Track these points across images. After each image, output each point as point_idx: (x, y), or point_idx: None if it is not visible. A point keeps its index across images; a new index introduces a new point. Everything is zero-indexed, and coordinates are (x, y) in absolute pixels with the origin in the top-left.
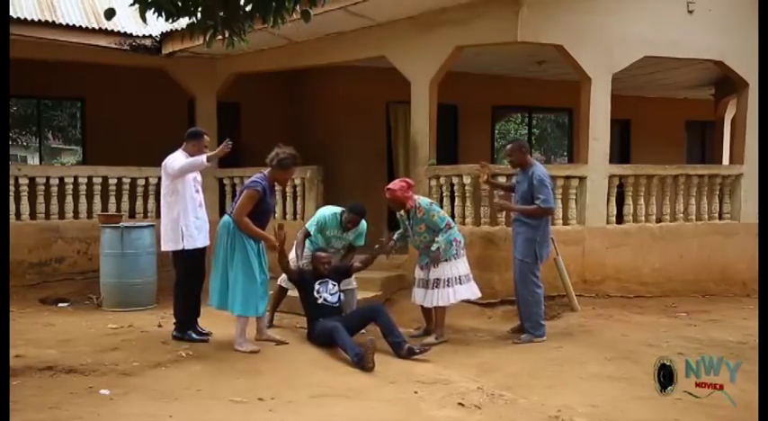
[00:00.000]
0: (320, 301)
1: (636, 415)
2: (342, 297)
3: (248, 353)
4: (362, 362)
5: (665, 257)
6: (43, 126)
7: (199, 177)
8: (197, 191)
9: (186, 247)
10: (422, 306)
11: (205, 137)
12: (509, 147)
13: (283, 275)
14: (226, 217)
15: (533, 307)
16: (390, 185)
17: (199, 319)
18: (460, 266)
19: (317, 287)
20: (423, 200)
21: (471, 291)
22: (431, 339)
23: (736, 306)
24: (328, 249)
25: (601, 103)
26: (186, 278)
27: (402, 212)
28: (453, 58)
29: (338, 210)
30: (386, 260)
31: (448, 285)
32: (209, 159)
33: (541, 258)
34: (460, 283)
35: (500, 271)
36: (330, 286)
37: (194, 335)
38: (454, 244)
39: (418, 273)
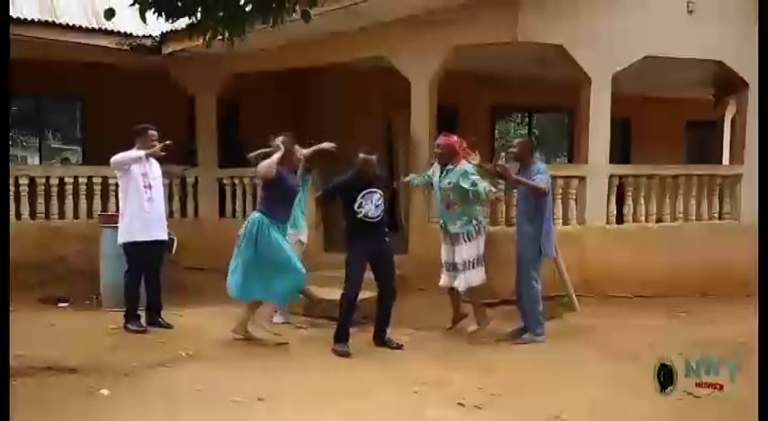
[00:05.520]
0: (360, 216)
1: (636, 415)
2: (383, 209)
3: (262, 342)
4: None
5: (665, 257)
6: (43, 126)
7: (153, 174)
8: (147, 186)
9: (128, 241)
10: (451, 293)
11: (150, 132)
12: (517, 140)
13: None
14: (255, 214)
15: (534, 303)
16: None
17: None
18: (481, 246)
19: (359, 200)
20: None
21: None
22: (474, 327)
23: (737, 306)
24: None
25: (601, 102)
26: (129, 269)
27: (436, 166)
28: (453, 58)
29: None
30: None
31: (473, 266)
32: (147, 155)
33: (546, 253)
34: (480, 265)
35: (500, 271)
36: (376, 197)
37: (130, 327)
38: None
39: (445, 254)
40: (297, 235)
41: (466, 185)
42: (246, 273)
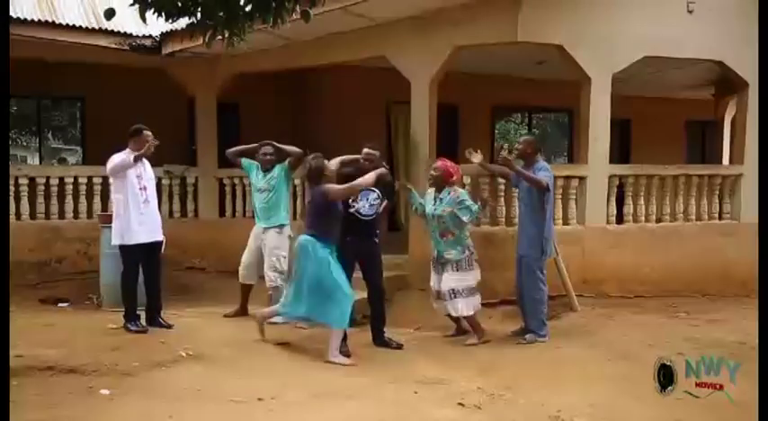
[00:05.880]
0: (352, 210)
1: (636, 415)
2: (379, 209)
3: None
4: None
5: (665, 257)
6: (43, 126)
7: (147, 175)
8: (143, 188)
9: (125, 243)
10: (450, 316)
11: (145, 132)
12: (523, 138)
13: (243, 271)
14: (303, 237)
15: (539, 305)
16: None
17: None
18: (477, 274)
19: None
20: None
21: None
22: (473, 340)
23: (736, 306)
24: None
25: (601, 102)
26: (127, 271)
27: (433, 190)
28: (453, 58)
29: None
30: None
31: (462, 296)
32: (135, 159)
33: (546, 253)
34: (473, 295)
35: (500, 271)
36: (373, 196)
37: (131, 327)
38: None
39: (433, 282)
40: (285, 230)
41: (464, 217)
42: (297, 294)
